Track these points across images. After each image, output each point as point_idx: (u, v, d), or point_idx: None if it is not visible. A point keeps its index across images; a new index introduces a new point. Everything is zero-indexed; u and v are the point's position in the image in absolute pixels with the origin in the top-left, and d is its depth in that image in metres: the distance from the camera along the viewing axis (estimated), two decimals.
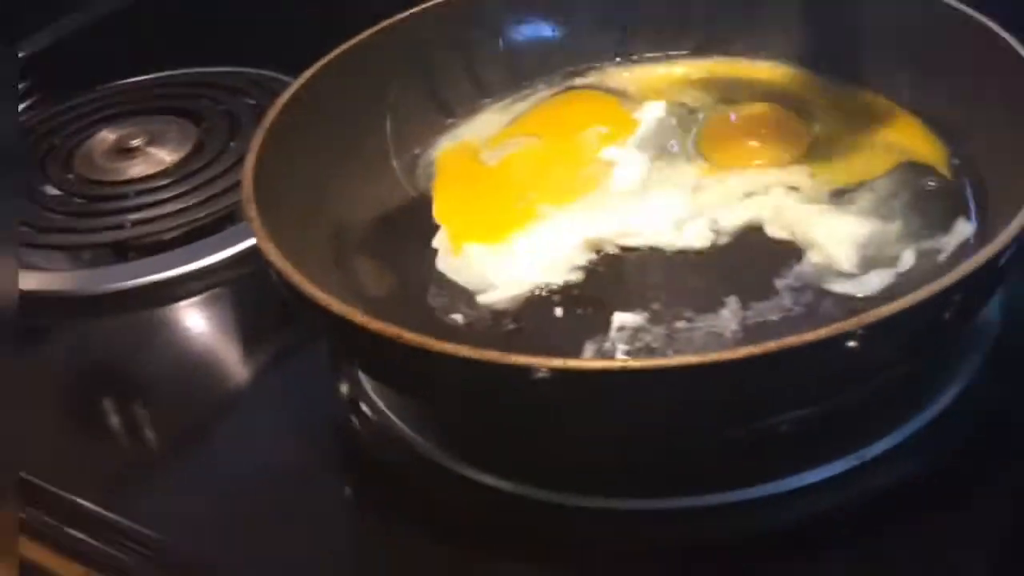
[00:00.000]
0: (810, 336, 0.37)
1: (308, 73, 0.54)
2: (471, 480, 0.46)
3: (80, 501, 0.48)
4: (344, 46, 0.56)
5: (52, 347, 0.60)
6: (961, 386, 0.46)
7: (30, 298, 0.60)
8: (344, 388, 0.52)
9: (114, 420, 0.55)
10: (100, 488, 0.49)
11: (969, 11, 0.53)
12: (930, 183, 0.53)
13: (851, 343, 0.37)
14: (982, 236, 0.48)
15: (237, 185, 0.62)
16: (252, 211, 0.45)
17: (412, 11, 0.60)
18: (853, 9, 0.58)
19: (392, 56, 0.58)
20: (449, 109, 0.62)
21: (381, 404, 0.50)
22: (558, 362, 0.37)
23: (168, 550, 0.46)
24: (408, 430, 0.48)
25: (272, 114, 0.51)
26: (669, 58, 0.64)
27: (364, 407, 0.50)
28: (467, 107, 0.62)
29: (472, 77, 0.62)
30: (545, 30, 0.64)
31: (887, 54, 0.57)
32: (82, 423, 0.54)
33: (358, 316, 0.39)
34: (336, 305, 0.40)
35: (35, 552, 0.48)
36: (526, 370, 0.37)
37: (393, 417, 0.49)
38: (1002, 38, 0.50)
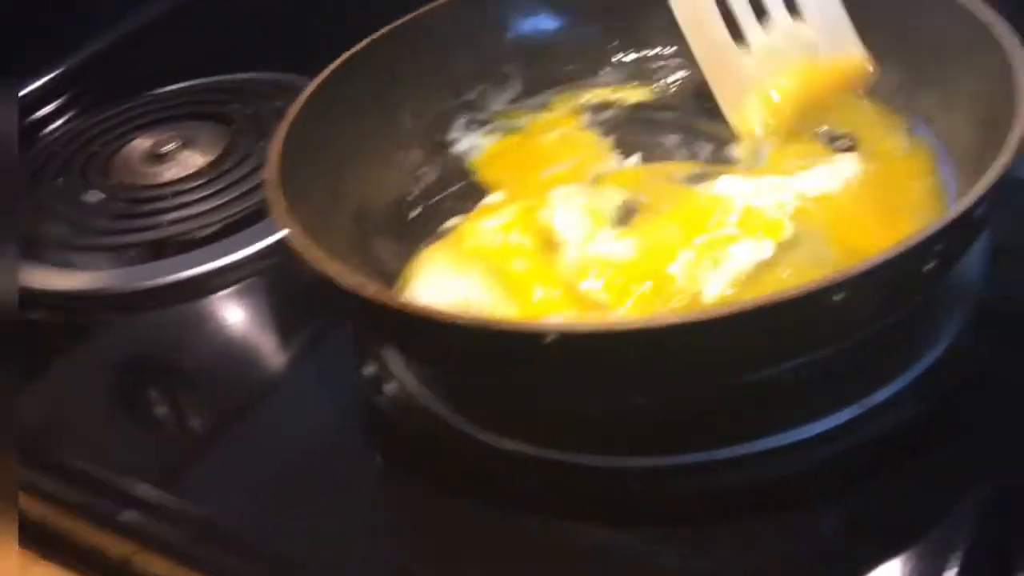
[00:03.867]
0: (796, 291, 0.39)
1: (327, 70, 0.57)
2: (490, 445, 0.48)
3: (132, 483, 0.51)
4: (359, 45, 0.59)
5: (97, 342, 0.63)
6: (947, 342, 0.48)
7: (75, 296, 0.64)
8: (369, 369, 0.54)
9: (158, 408, 0.58)
10: (150, 471, 0.52)
11: None
12: None
13: (838, 296, 0.39)
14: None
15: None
16: (277, 196, 0.48)
17: (425, 8, 0.62)
18: None
19: (407, 51, 0.61)
20: (466, 101, 0.65)
21: (404, 381, 0.52)
22: (565, 325, 0.40)
23: (215, 526, 0.49)
24: (431, 403, 0.51)
25: (295, 108, 0.54)
26: None
27: (388, 385, 0.53)
28: (485, 98, 0.65)
29: (486, 69, 0.65)
30: (552, 24, 0.67)
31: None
32: (127, 412, 0.58)
33: (388, 296, 0.42)
34: (354, 281, 0.43)
35: (89, 535, 0.51)
36: (535, 335, 0.40)
37: (415, 393, 0.52)
38: None
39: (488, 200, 0.58)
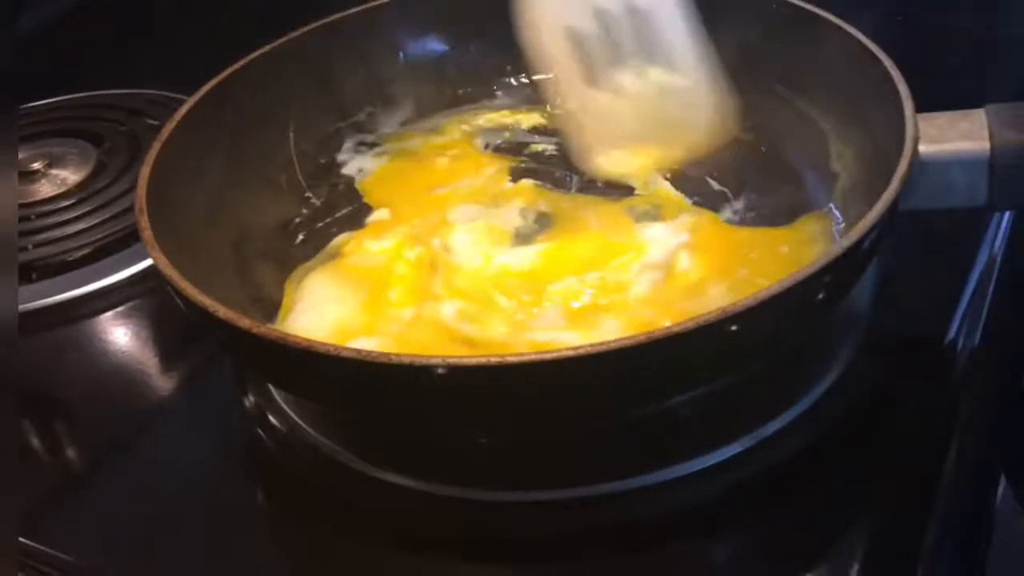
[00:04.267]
0: (692, 323, 0.38)
1: (204, 89, 0.55)
2: (378, 480, 0.47)
3: None
4: (238, 63, 0.57)
5: None
6: (838, 371, 0.48)
7: None
8: (250, 399, 0.52)
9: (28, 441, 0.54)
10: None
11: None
12: None
13: (731, 328, 0.39)
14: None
15: None
16: (144, 221, 0.45)
17: (311, 26, 0.60)
18: None
19: (291, 70, 0.59)
20: (356, 122, 0.63)
21: (288, 412, 0.50)
22: (451, 359, 0.39)
23: (84, 572, 0.46)
24: (316, 435, 0.49)
25: (168, 128, 0.51)
26: None
27: (271, 417, 0.50)
28: (375, 120, 0.63)
29: (376, 90, 0.63)
30: (444, 46, 0.65)
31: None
32: None
33: (243, 321, 0.40)
34: (221, 310, 0.41)
35: None
36: (423, 369, 0.38)
37: (301, 423, 0.50)
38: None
39: (374, 217, 0.56)
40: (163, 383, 0.56)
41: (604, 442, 0.46)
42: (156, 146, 0.50)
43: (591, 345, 0.38)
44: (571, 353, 0.38)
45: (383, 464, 0.47)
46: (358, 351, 0.39)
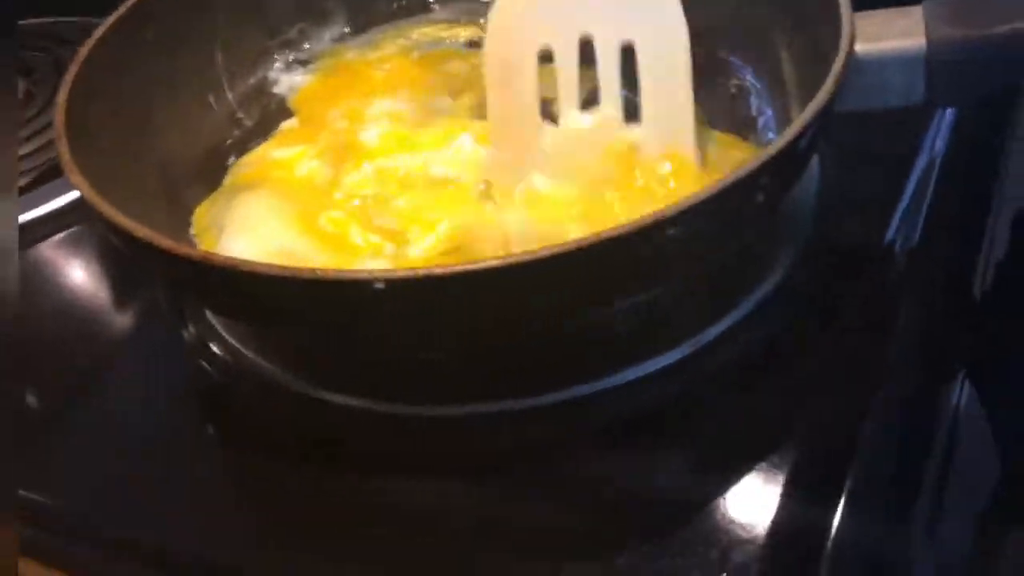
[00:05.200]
0: (629, 226, 0.38)
1: (123, 7, 0.52)
2: (326, 401, 0.46)
3: None
4: None
5: None
6: (780, 275, 0.48)
7: None
8: (191, 330, 0.51)
9: None
10: None
11: None
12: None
13: (671, 230, 0.38)
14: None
15: None
16: (63, 146, 0.43)
17: None
18: None
19: None
20: (286, 40, 0.61)
21: (229, 339, 0.49)
22: (390, 273, 0.38)
23: (55, 513, 0.45)
24: (259, 360, 0.48)
25: (84, 50, 0.49)
26: None
27: (213, 346, 0.50)
28: (306, 36, 0.62)
29: (306, 5, 0.61)
30: None
31: None
32: None
33: (166, 243, 0.39)
34: (141, 231, 0.39)
35: None
36: (361, 283, 0.38)
37: (243, 349, 0.49)
38: None
39: (285, 125, 0.55)
40: (111, 317, 0.55)
41: (547, 352, 0.46)
42: (73, 68, 0.48)
43: (525, 253, 0.37)
44: (504, 263, 0.38)
45: (330, 386, 0.46)
46: (286, 268, 0.38)
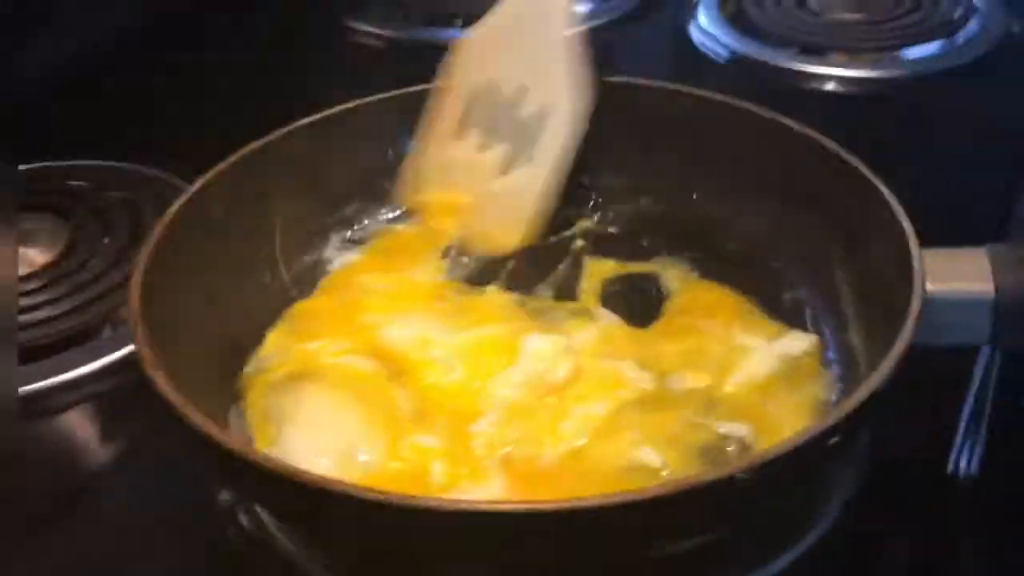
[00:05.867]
0: (705, 477, 0.38)
1: (193, 187, 0.53)
2: None
3: None
4: (232, 158, 0.55)
5: None
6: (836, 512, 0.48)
7: None
8: (224, 496, 0.50)
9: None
10: None
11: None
12: None
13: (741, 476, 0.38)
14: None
15: (112, 289, 0.62)
16: (143, 341, 0.43)
17: (298, 123, 0.59)
18: None
19: (278, 168, 0.57)
20: (343, 218, 0.61)
21: (261, 515, 0.49)
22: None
23: None
24: (288, 544, 0.47)
25: (158, 230, 0.49)
26: None
27: (243, 518, 0.49)
28: (363, 215, 0.62)
29: (365, 185, 0.62)
30: None
31: None
32: None
33: (252, 455, 0.38)
34: (240, 447, 0.39)
35: None
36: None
37: (272, 529, 0.48)
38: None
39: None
40: (130, 479, 0.53)
41: None
42: (147, 251, 0.48)
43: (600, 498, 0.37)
44: (600, 502, 0.37)
45: None
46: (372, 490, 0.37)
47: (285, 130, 0.58)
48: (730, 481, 0.37)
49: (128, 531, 0.51)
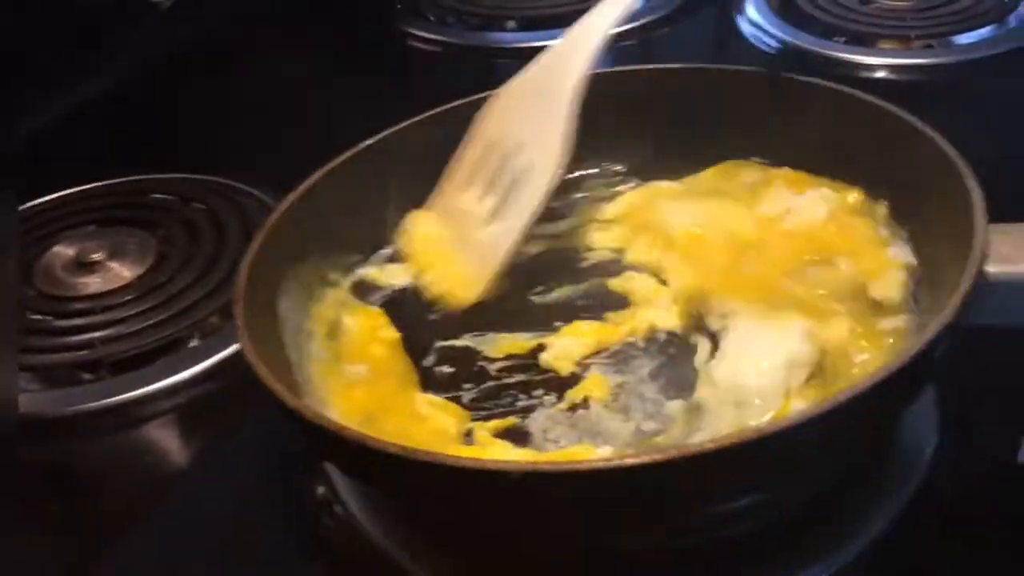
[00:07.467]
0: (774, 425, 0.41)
1: (297, 191, 0.56)
2: None
3: None
4: (335, 161, 0.58)
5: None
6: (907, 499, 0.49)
7: None
8: (320, 490, 0.53)
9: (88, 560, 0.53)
10: None
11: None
12: None
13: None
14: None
15: (202, 299, 0.65)
16: (249, 346, 0.46)
17: (399, 126, 0.61)
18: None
19: (381, 168, 0.60)
20: None
21: (353, 507, 0.51)
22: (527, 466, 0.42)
23: None
24: (379, 535, 0.50)
25: (257, 240, 0.53)
26: None
27: (337, 508, 0.52)
28: None
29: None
30: None
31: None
32: (60, 552, 0.54)
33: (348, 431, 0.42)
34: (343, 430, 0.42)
35: None
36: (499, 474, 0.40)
37: (364, 522, 0.51)
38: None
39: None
40: (228, 483, 0.56)
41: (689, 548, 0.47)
42: (244, 268, 0.51)
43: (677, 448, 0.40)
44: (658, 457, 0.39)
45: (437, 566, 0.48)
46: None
47: (399, 127, 0.61)
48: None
49: (232, 535, 0.53)
